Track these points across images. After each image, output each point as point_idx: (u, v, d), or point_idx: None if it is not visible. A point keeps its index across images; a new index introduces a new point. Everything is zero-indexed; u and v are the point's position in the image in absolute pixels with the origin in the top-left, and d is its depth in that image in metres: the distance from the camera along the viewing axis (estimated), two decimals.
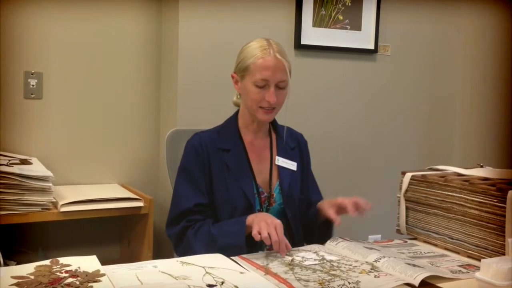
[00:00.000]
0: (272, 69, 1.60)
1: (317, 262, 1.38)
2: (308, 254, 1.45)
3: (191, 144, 1.69)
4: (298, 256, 1.43)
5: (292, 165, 1.74)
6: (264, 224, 1.43)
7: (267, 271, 1.30)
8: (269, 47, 1.62)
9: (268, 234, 1.41)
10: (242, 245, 1.48)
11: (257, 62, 1.61)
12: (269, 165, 1.73)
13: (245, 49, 1.67)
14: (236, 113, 1.77)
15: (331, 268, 1.33)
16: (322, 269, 1.32)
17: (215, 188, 1.66)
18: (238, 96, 1.76)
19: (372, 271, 1.32)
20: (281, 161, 1.72)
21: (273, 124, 1.80)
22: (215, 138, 1.71)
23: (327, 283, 1.22)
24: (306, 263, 1.37)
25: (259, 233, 1.42)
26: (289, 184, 1.71)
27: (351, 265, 1.36)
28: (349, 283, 1.23)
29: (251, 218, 1.51)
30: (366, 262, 1.38)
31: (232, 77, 1.72)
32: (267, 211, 1.67)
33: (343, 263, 1.37)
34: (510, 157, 2.89)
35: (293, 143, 1.81)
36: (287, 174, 1.72)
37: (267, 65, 1.60)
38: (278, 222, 1.45)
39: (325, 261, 1.39)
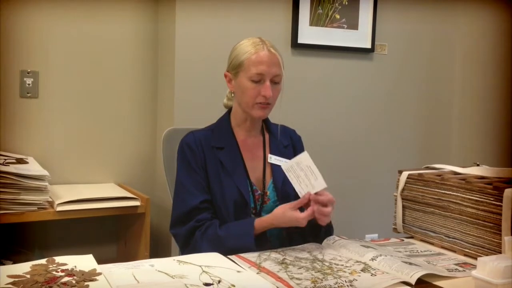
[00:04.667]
0: (267, 63, 1.60)
1: (309, 261, 1.38)
2: (301, 253, 1.45)
3: (186, 142, 1.69)
4: (291, 255, 1.43)
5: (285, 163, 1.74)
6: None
7: (260, 269, 1.30)
8: (262, 43, 1.64)
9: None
10: (251, 245, 1.49)
11: (252, 58, 1.61)
12: (262, 163, 1.73)
13: (238, 46, 1.68)
14: (229, 112, 1.77)
15: (323, 267, 1.33)
16: (314, 268, 1.32)
17: (210, 184, 1.66)
18: (232, 95, 1.75)
19: (365, 270, 1.32)
20: (274, 159, 1.72)
21: (266, 122, 1.80)
22: (209, 136, 1.71)
23: (320, 281, 1.22)
24: (299, 262, 1.37)
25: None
26: (282, 181, 1.71)
27: (343, 265, 1.36)
28: (345, 281, 1.23)
29: (267, 220, 1.56)
30: (360, 261, 1.38)
31: (225, 76, 1.72)
32: (261, 208, 1.67)
33: (334, 263, 1.37)
34: (506, 155, 2.90)
35: (286, 141, 1.81)
36: (280, 172, 1.72)
37: (262, 60, 1.60)
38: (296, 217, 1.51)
39: (317, 260, 1.39)
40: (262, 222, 1.55)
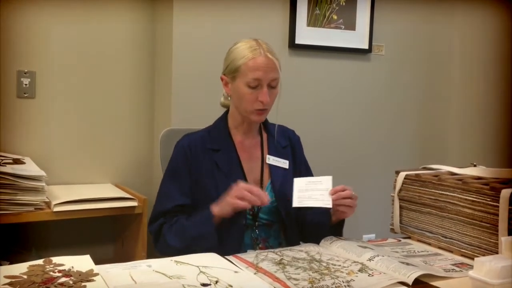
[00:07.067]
0: (264, 69, 1.60)
1: (306, 261, 1.38)
2: (298, 254, 1.45)
3: (180, 145, 1.71)
4: (288, 255, 1.43)
5: (284, 164, 1.74)
6: (232, 196, 1.52)
7: (258, 269, 1.31)
8: (259, 47, 1.63)
9: (244, 198, 1.50)
10: (211, 233, 1.52)
11: (249, 63, 1.61)
12: (260, 164, 1.73)
13: (234, 50, 1.67)
14: (226, 113, 1.77)
15: (321, 267, 1.33)
16: (312, 268, 1.32)
17: (205, 187, 1.66)
18: (228, 98, 1.75)
19: (362, 270, 1.32)
20: (272, 160, 1.72)
21: (264, 123, 1.80)
22: (205, 138, 1.71)
23: (317, 281, 1.23)
24: (296, 262, 1.37)
25: (239, 199, 1.51)
26: (280, 182, 1.71)
27: (340, 265, 1.36)
28: (342, 282, 1.23)
29: (215, 204, 1.57)
30: (357, 261, 1.39)
31: (222, 79, 1.71)
32: (258, 210, 1.67)
33: (332, 263, 1.37)
34: (503, 156, 2.91)
35: (285, 142, 1.80)
36: (279, 173, 1.72)
37: (259, 65, 1.60)
38: (235, 188, 1.53)
39: (315, 260, 1.39)
40: (216, 206, 1.57)
